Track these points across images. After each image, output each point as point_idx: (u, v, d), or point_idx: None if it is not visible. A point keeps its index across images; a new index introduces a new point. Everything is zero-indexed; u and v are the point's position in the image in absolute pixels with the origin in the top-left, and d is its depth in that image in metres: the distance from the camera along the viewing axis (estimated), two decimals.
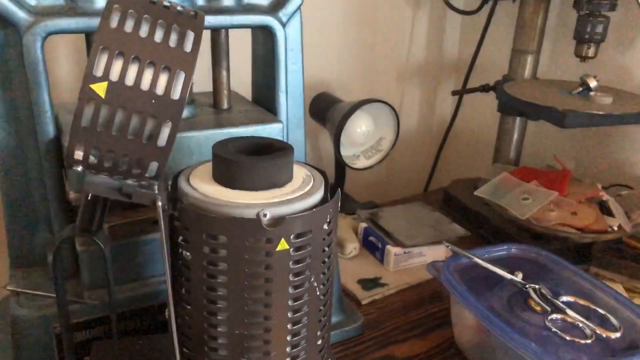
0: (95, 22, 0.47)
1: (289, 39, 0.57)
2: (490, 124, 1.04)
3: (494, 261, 0.62)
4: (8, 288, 0.51)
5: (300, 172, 0.40)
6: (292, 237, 0.35)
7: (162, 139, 0.31)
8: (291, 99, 0.60)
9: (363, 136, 0.87)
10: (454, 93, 0.99)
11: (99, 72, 0.29)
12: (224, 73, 0.60)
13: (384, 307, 0.71)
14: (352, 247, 0.81)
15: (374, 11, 1.04)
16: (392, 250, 0.78)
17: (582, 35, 0.78)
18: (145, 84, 0.29)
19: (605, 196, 0.82)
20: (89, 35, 0.52)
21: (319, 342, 0.40)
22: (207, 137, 0.52)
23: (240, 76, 0.66)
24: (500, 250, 0.66)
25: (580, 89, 0.80)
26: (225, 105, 0.60)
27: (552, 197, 0.80)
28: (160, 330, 0.53)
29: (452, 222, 0.85)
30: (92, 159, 0.31)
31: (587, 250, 0.77)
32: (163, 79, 0.30)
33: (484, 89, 0.95)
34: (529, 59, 0.91)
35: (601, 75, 0.84)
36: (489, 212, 0.87)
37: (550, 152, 0.97)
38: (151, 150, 0.31)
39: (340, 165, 0.89)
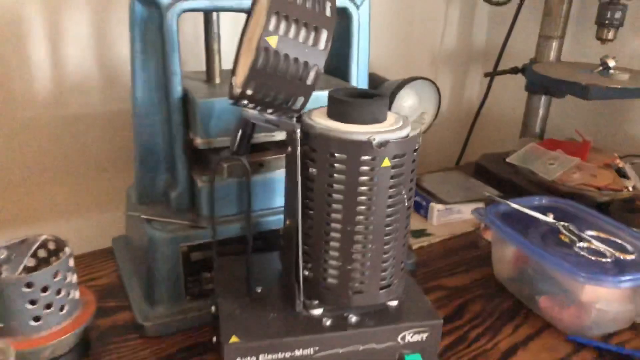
0: (219, 2, 0.60)
1: (361, 18, 0.69)
2: (517, 105, 1.15)
3: (528, 208, 0.74)
4: (143, 216, 0.63)
5: (391, 115, 0.52)
6: (392, 157, 0.47)
7: (310, 79, 0.43)
8: (360, 71, 0.72)
9: (408, 109, 0.98)
10: (486, 75, 1.11)
11: (271, 28, 0.41)
12: None
13: (431, 251, 0.83)
14: None
15: (411, 1, 1.17)
16: (435, 207, 0.90)
17: (603, 20, 0.90)
18: (301, 38, 0.42)
19: (621, 163, 0.94)
20: (207, 14, 0.65)
21: (403, 246, 0.53)
22: None
23: None
24: (533, 201, 0.78)
25: (601, 68, 0.92)
26: None
27: (575, 162, 0.92)
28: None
29: (486, 185, 0.97)
30: (257, 95, 0.44)
31: (605, 208, 0.88)
32: (312, 34, 0.42)
33: (513, 71, 1.07)
34: (554, 44, 1.03)
35: (618, 57, 0.95)
36: (518, 178, 0.98)
37: (571, 128, 1.09)
38: (302, 87, 0.43)
39: None
